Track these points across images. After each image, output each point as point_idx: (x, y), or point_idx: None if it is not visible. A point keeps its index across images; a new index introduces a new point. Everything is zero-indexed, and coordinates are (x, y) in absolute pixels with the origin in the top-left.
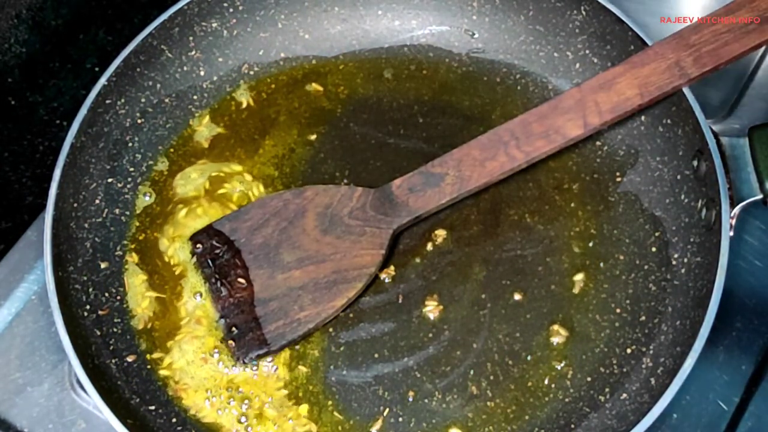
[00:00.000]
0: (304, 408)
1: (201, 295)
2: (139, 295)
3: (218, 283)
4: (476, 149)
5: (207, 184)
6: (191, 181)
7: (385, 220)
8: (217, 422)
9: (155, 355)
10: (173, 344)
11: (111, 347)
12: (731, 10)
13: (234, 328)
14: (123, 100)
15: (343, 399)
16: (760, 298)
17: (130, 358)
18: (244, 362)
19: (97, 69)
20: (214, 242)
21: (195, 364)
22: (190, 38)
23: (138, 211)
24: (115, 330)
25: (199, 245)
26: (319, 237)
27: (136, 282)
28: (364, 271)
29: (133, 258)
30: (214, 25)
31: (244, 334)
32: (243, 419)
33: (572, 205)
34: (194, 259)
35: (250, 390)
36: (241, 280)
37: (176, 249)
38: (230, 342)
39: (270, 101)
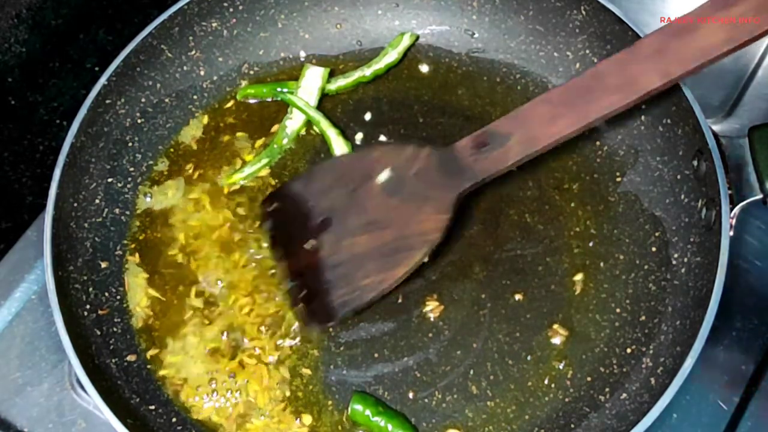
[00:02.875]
0: (307, 417)
1: (201, 294)
2: (139, 295)
3: (287, 246)
4: (544, 106)
5: (200, 183)
6: (168, 198)
7: (449, 184)
8: (216, 421)
9: (155, 354)
10: (173, 342)
11: (111, 347)
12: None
13: (304, 290)
14: (123, 100)
15: (343, 399)
16: (760, 298)
17: (130, 358)
18: (311, 328)
19: (97, 69)
20: (285, 204)
21: (195, 359)
22: (190, 38)
23: (138, 211)
24: (115, 329)
25: (270, 207)
26: (385, 200)
27: (136, 281)
28: (427, 238)
29: (133, 258)
30: (214, 24)
31: (313, 298)
32: (242, 418)
33: (572, 205)
34: (268, 222)
35: (249, 389)
36: (312, 241)
37: (176, 248)
38: (300, 306)
39: (270, 101)
